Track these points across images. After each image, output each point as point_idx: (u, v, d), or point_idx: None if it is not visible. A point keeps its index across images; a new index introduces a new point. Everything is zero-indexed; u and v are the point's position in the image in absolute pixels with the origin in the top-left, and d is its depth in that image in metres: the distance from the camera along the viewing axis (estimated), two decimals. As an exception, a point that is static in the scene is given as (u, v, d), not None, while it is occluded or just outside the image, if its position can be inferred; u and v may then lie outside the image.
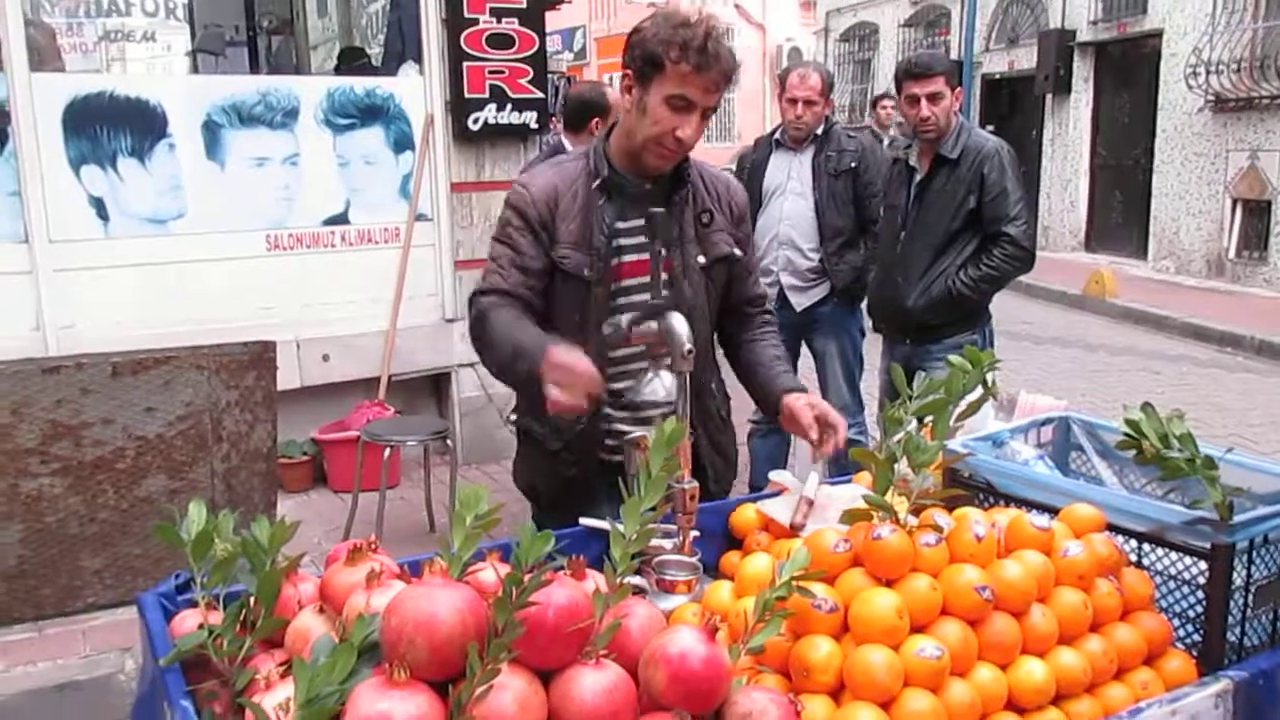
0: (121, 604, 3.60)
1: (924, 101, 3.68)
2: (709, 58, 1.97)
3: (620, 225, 2.14)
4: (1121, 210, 13.11)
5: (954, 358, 1.68)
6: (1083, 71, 13.36)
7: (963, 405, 1.61)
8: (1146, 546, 1.72)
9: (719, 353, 2.40)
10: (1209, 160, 11.34)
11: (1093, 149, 13.48)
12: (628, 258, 2.15)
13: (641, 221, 2.15)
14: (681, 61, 1.96)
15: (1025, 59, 14.41)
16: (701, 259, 2.19)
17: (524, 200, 2.14)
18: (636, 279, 2.16)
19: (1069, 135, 13.65)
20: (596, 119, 4.43)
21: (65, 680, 3.23)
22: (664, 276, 2.17)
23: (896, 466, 1.58)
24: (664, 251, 2.12)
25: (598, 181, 2.13)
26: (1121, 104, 13.04)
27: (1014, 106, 15.01)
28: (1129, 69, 12.79)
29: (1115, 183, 13.22)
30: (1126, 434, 1.65)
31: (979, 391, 1.67)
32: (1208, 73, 11.05)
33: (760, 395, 2.27)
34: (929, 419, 1.72)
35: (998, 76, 15.32)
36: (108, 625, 3.53)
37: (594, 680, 1.20)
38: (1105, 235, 13.41)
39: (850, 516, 1.58)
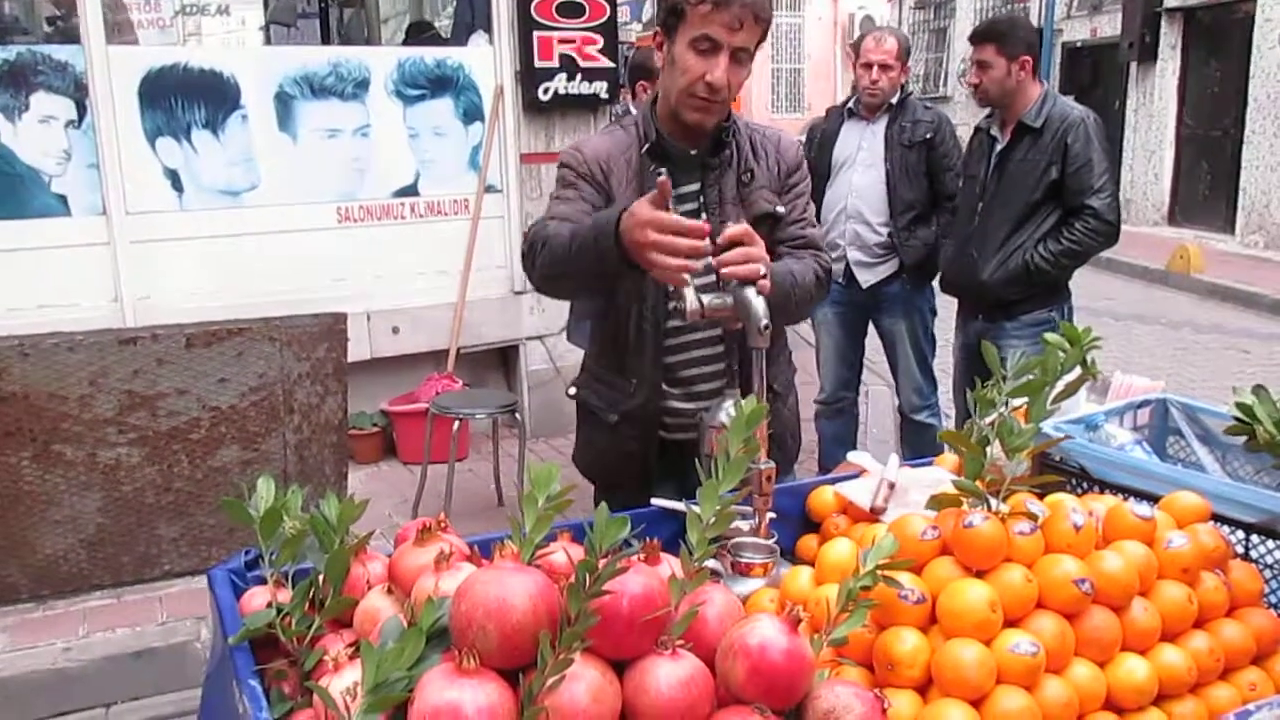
0: (197, 572, 3.66)
1: (975, 66, 3.68)
2: None
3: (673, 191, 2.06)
4: (1208, 183, 12.64)
5: (1050, 335, 1.59)
6: (1170, 39, 12.87)
7: (1059, 386, 1.52)
8: (1255, 538, 1.62)
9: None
10: (1304, 130, 10.88)
11: (1179, 119, 13.00)
12: None
13: (691, 188, 2.10)
14: (700, 3, 1.92)
15: (1109, 26, 13.94)
16: (742, 219, 2.09)
17: (577, 160, 2.10)
18: None
19: (1154, 105, 13.18)
20: (642, 81, 4.35)
21: (143, 647, 3.28)
22: (706, 242, 2.07)
23: (988, 450, 1.49)
24: (715, 211, 2.05)
25: (646, 146, 2.08)
26: (1211, 72, 12.53)
27: (1096, 76, 14.55)
28: (1220, 35, 12.29)
29: (1202, 154, 12.74)
30: (1237, 418, 1.54)
31: (1076, 372, 1.57)
32: (1305, 38, 10.58)
33: None
34: (1015, 401, 1.63)
35: (1079, 44, 14.84)
36: (184, 593, 3.59)
37: (670, 671, 1.14)
38: (1190, 209, 12.95)
39: (938, 502, 1.51)
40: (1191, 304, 9.36)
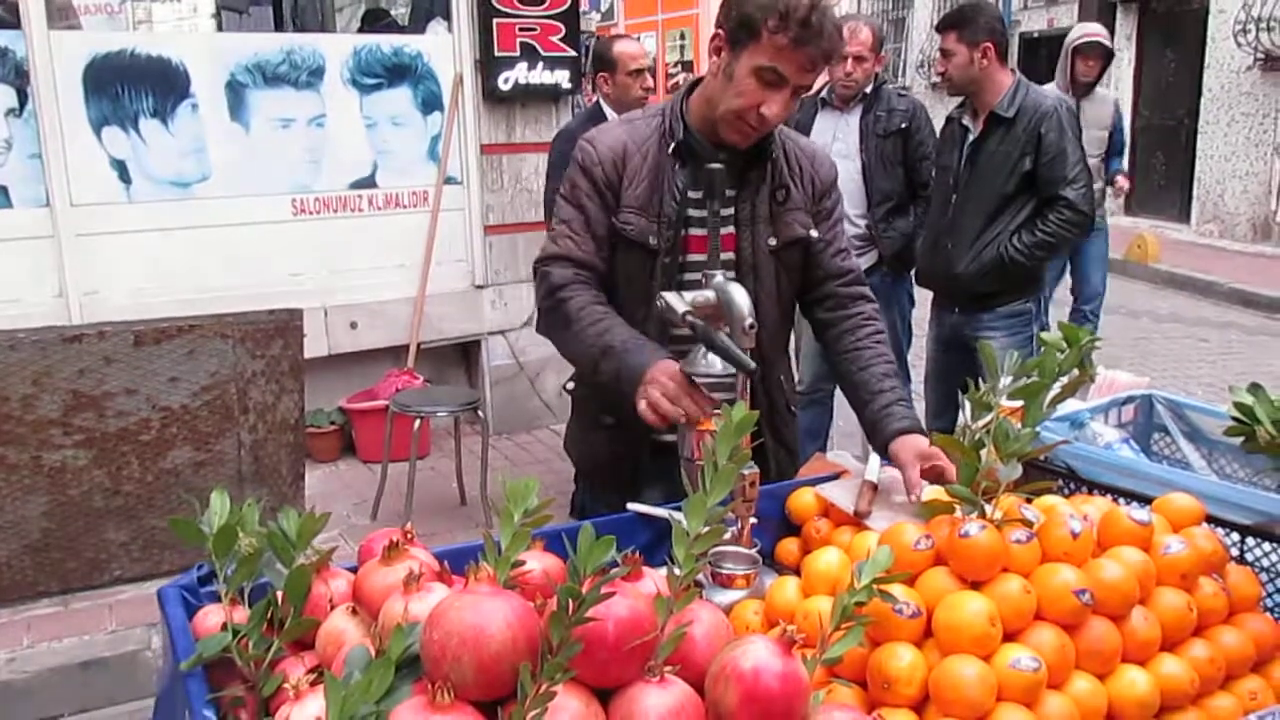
0: (148, 577, 3.54)
1: (940, 56, 3.64)
2: (811, 32, 1.78)
3: (693, 195, 1.97)
4: (1164, 172, 12.77)
5: (1048, 335, 1.53)
6: (1125, 29, 12.97)
7: (1056, 388, 1.46)
8: (1251, 540, 1.57)
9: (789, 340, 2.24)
10: (1257, 120, 11.00)
11: (1135, 109, 13.10)
12: (696, 230, 1.98)
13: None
14: (780, 32, 1.78)
15: (1065, 17, 14.02)
16: (773, 241, 2.01)
17: (590, 159, 1.98)
18: (701, 255, 1.96)
19: (1110, 95, 13.27)
20: (603, 74, 4.28)
21: (91, 657, 3.16)
22: (731, 257, 1.99)
23: (981, 454, 1.43)
24: (720, 214, 1.94)
25: (672, 145, 1.96)
26: (1166, 63, 12.65)
27: (1052, 66, 14.61)
28: (1174, 26, 12.41)
29: (1158, 144, 12.86)
30: (1236, 419, 1.49)
31: (1074, 373, 1.52)
32: (1258, 30, 10.69)
33: (868, 428, 2.02)
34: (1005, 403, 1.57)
35: (1036, 35, 14.94)
36: (134, 599, 3.46)
37: (659, 700, 1.07)
38: (1146, 198, 13.06)
39: (930, 509, 1.44)
40: (1150, 293, 9.43)
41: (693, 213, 1.98)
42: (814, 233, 2.05)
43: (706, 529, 1.22)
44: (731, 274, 1.95)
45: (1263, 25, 10.62)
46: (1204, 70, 11.64)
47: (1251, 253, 10.59)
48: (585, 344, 1.91)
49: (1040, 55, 14.96)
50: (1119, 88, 13.11)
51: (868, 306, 2.12)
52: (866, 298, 2.14)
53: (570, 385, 2.26)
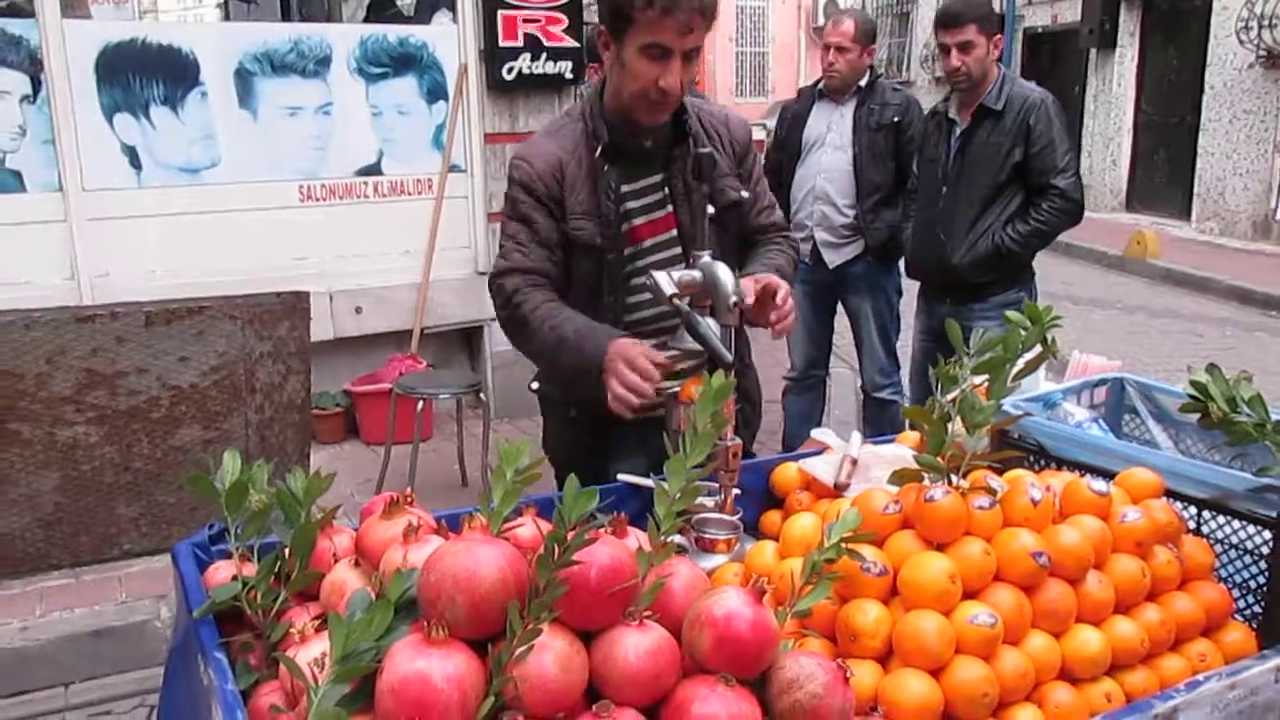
0: (157, 552, 3.63)
1: (954, 51, 3.59)
2: None
3: (626, 189, 2.09)
4: (1165, 169, 12.82)
5: (1012, 314, 1.62)
6: (1129, 26, 13.01)
7: (1020, 364, 1.55)
8: (1207, 513, 1.66)
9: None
10: (1258, 118, 11.05)
11: (1137, 106, 13.17)
12: (638, 220, 2.10)
13: (649, 181, 2.10)
14: (648, 8, 1.88)
15: (1069, 12, 14.06)
16: (710, 209, 2.10)
17: (529, 176, 2.07)
18: (652, 240, 2.11)
19: (1113, 92, 13.33)
20: (593, 64, 4.38)
21: (101, 626, 3.25)
22: (674, 234, 2.11)
23: (950, 426, 1.52)
24: (682, 202, 2.07)
25: (600, 147, 2.06)
26: (1169, 59, 12.70)
27: (1056, 61, 14.69)
28: (1178, 23, 12.45)
29: (1159, 141, 12.92)
30: (1192, 396, 1.57)
31: (1037, 349, 1.60)
32: (1260, 27, 10.73)
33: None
34: (974, 379, 1.65)
35: (1040, 30, 14.97)
36: (143, 572, 3.56)
37: (637, 642, 1.16)
38: (1147, 195, 13.13)
39: (900, 477, 1.53)
40: (1147, 289, 9.50)
41: (630, 205, 2.09)
42: (744, 194, 2.17)
43: (685, 489, 1.30)
44: (679, 250, 2.09)
45: (1265, 23, 10.66)
46: (1206, 67, 11.69)
47: (1251, 250, 10.65)
48: (542, 341, 2.02)
49: (1044, 50, 15.02)
50: (1121, 84, 13.19)
51: (778, 240, 2.27)
52: (781, 238, 2.28)
53: (535, 385, 2.34)
